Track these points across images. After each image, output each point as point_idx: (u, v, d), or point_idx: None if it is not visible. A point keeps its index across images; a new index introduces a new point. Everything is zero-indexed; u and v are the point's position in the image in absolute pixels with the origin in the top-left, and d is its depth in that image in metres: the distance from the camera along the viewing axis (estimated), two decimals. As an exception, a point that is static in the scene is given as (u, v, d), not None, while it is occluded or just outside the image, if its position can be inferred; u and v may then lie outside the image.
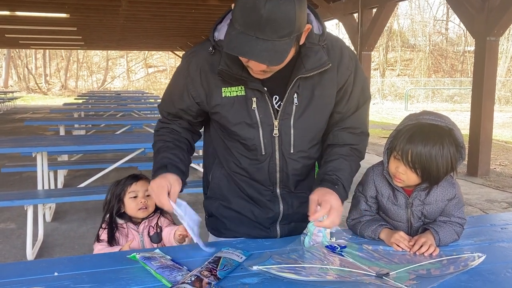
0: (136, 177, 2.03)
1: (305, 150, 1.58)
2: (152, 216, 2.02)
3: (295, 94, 1.49)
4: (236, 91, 1.47)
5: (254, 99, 1.47)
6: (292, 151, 1.54)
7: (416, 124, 1.51)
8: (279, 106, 1.49)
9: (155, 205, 1.93)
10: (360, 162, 1.67)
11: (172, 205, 1.46)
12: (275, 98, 1.49)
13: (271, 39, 1.24)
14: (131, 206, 1.97)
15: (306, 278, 1.25)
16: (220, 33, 1.46)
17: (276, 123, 1.50)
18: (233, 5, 1.31)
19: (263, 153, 1.53)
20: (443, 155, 1.45)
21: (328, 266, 1.34)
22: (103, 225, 1.97)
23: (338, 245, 1.50)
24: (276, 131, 1.50)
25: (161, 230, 1.99)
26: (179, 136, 1.66)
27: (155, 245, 1.96)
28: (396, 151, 1.51)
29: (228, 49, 1.29)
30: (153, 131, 1.76)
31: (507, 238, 1.64)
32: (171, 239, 1.91)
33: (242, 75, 1.42)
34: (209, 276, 1.24)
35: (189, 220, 1.50)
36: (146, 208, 1.97)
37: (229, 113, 1.49)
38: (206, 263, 1.32)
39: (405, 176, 1.52)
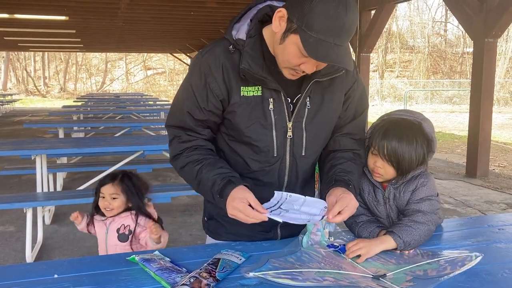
0: (109, 179, 2.25)
1: (315, 153, 1.62)
2: (124, 214, 2.23)
3: (308, 98, 1.52)
4: (253, 91, 1.48)
5: (271, 99, 1.48)
6: (303, 154, 1.57)
7: (389, 120, 1.60)
8: (291, 109, 1.52)
9: (130, 205, 2.24)
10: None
11: (266, 215, 1.37)
12: (288, 100, 1.51)
13: (343, 45, 1.31)
14: (100, 204, 2.24)
15: (303, 283, 1.25)
16: (239, 33, 1.48)
17: (290, 125, 1.52)
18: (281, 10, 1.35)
19: (275, 155, 1.54)
20: (416, 146, 1.54)
21: (325, 270, 1.34)
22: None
23: (338, 244, 1.51)
24: (290, 133, 1.52)
25: (130, 233, 2.21)
26: (207, 150, 1.57)
27: (118, 243, 2.21)
28: (373, 147, 1.59)
29: (318, 58, 1.31)
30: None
31: (505, 239, 1.65)
32: (148, 242, 2.15)
33: (262, 75, 1.44)
34: (208, 278, 1.24)
35: (292, 213, 1.41)
36: (111, 209, 2.21)
37: (245, 112, 1.49)
38: (205, 264, 1.33)
39: (383, 170, 1.59)
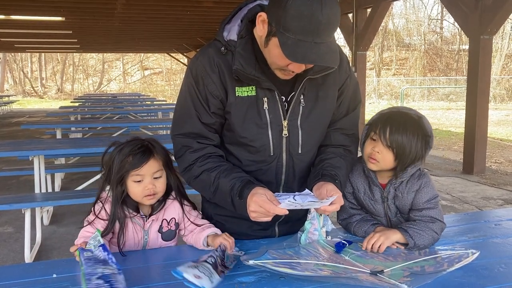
0: (144, 156, 1.54)
1: (311, 150, 1.62)
2: (165, 205, 1.64)
3: (302, 95, 1.52)
4: (247, 91, 1.49)
5: (265, 99, 1.49)
6: (300, 151, 1.57)
7: (390, 111, 1.60)
8: (286, 107, 1.52)
9: (169, 189, 1.65)
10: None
11: (283, 210, 1.36)
12: (282, 99, 1.52)
13: (325, 41, 1.31)
14: (135, 190, 1.54)
15: (301, 273, 1.27)
16: (230, 33, 1.49)
17: (285, 123, 1.52)
18: (259, 13, 1.37)
19: (272, 154, 1.55)
20: (417, 139, 1.52)
21: (323, 263, 1.36)
22: (100, 211, 1.54)
23: (345, 241, 1.52)
24: (285, 132, 1.53)
25: (177, 226, 1.65)
26: (219, 157, 1.57)
27: (163, 243, 1.63)
28: (373, 132, 1.56)
29: (297, 59, 1.32)
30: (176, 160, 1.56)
31: (501, 234, 1.66)
32: (198, 243, 1.57)
33: (256, 75, 1.45)
34: (222, 266, 1.27)
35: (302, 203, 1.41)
36: (154, 194, 1.56)
37: (241, 112, 1.50)
38: (212, 254, 1.28)
39: (381, 156, 1.55)
